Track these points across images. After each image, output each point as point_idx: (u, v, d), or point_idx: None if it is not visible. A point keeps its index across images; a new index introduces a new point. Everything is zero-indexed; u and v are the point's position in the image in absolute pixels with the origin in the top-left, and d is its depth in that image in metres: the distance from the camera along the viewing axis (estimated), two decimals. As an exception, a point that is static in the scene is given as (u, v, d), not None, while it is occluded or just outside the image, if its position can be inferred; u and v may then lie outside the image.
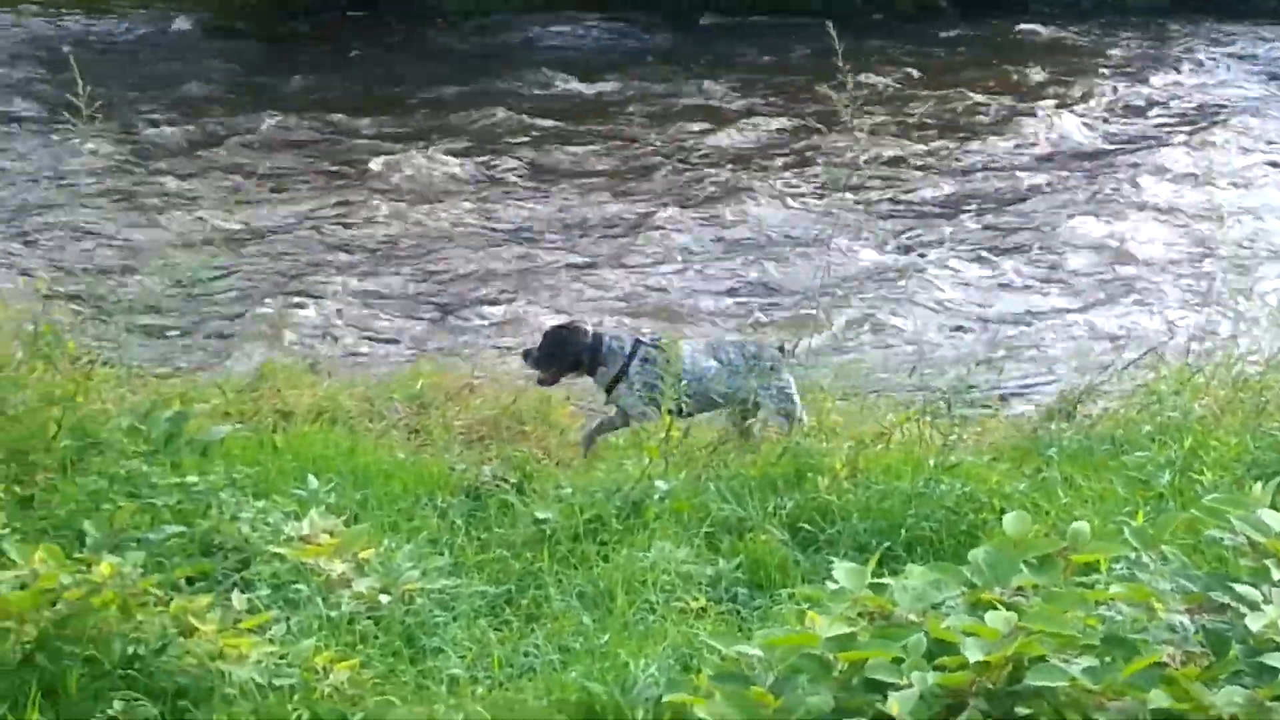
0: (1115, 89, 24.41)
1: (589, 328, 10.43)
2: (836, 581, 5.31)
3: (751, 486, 8.27)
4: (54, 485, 7.77)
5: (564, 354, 10.24)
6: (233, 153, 20.81)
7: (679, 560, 7.31)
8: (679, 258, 16.57)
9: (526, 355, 10.52)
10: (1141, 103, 23.69)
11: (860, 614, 5.18)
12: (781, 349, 10.28)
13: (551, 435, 10.28)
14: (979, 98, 23.72)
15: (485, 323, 14.54)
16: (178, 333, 13.47)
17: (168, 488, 7.53)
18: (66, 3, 30.88)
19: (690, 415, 10.09)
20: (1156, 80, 25.07)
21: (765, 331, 13.84)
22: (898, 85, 24.22)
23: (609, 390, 10.19)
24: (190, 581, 6.52)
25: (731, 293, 15.58)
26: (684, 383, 9.82)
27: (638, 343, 10.16)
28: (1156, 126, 22.33)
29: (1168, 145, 21.23)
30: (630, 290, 15.47)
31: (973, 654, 4.77)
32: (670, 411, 9.60)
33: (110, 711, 5.43)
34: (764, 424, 9.94)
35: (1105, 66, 25.88)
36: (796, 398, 10.06)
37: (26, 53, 26.67)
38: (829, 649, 4.90)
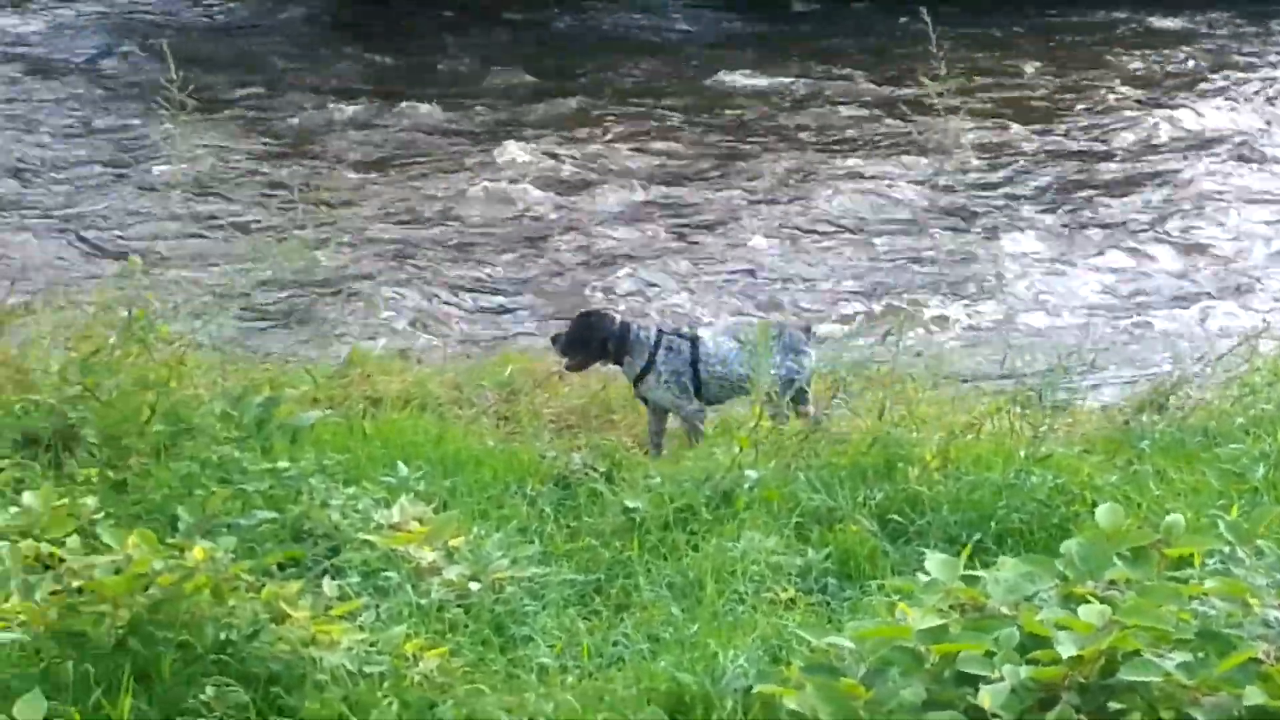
0: (1216, 78, 24.15)
1: (617, 316, 10.39)
2: (928, 573, 5.30)
3: (841, 476, 8.23)
4: (147, 470, 7.82)
5: (591, 341, 10.18)
6: (328, 139, 20.86)
7: (768, 550, 7.29)
8: (772, 244, 16.50)
9: (555, 340, 10.50)
10: (1246, 92, 23.43)
11: (952, 606, 5.17)
12: (807, 330, 10.23)
13: (641, 424, 10.26)
14: (1074, 84, 23.54)
15: (573, 305, 14.52)
16: (270, 318, 13.55)
17: (259, 473, 7.57)
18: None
19: (717, 402, 10.09)
20: (1259, 70, 24.76)
21: (859, 320, 13.82)
22: (993, 70, 24.05)
23: (636, 382, 10.15)
24: (281, 567, 6.56)
25: (826, 279, 15.51)
26: (710, 367, 9.83)
27: (660, 332, 10.12)
28: (1259, 117, 22.06)
29: (1269, 136, 20.98)
30: (724, 277, 15.43)
31: (1066, 648, 4.75)
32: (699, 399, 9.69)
33: (202, 696, 5.46)
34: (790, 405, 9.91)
35: (1204, 55, 25.62)
36: (807, 378, 9.99)
37: (125, 37, 26.82)
38: (921, 641, 4.89)
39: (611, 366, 10.33)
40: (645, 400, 10.17)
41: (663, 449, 9.86)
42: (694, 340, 10.01)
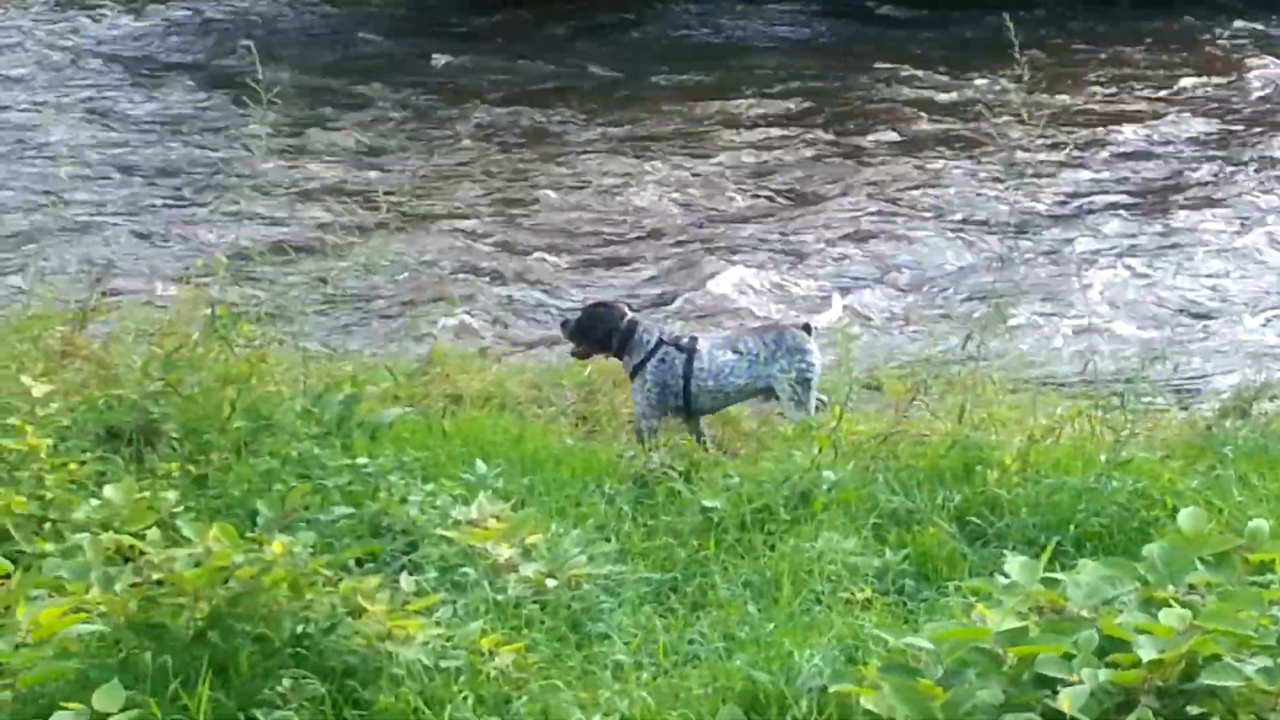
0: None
1: (628, 312, 10.38)
2: (1007, 575, 5.28)
3: (920, 478, 8.21)
4: (228, 465, 7.87)
5: (595, 331, 10.18)
6: (412, 137, 20.96)
7: (846, 551, 7.28)
8: (854, 248, 16.47)
9: (564, 325, 10.52)
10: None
11: (1031, 608, 5.14)
12: (806, 328, 10.21)
13: (718, 424, 10.25)
14: (1162, 88, 23.39)
15: (659, 312, 14.52)
16: (351, 316, 13.61)
17: (338, 469, 7.62)
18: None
19: (710, 412, 10.06)
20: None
21: (940, 322, 13.77)
22: (1074, 75, 23.92)
23: (631, 380, 10.15)
24: (359, 563, 6.58)
25: (906, 281, 15.47)
26: (702, 381, 9.82)
27: (660, 341, 10.12)
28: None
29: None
30: (803, 279, 15.40)
31: (1146, 652, 4.73)
32: (684, 411, 9.78)
33: (279, 688, 5.49)
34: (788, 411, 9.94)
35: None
36: (815, 381, 9.93)
37: (225, 38, 27.03)
38: (999, 643, 4.87)
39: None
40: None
41: (651, 437, 9.85)
42: (690, 352, 9.97)
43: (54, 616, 4.94)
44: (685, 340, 10.09)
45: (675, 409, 9.90)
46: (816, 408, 9.88)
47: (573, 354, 10.48)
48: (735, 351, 9.95)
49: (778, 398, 9.96)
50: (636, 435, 9.87)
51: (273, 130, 9.69)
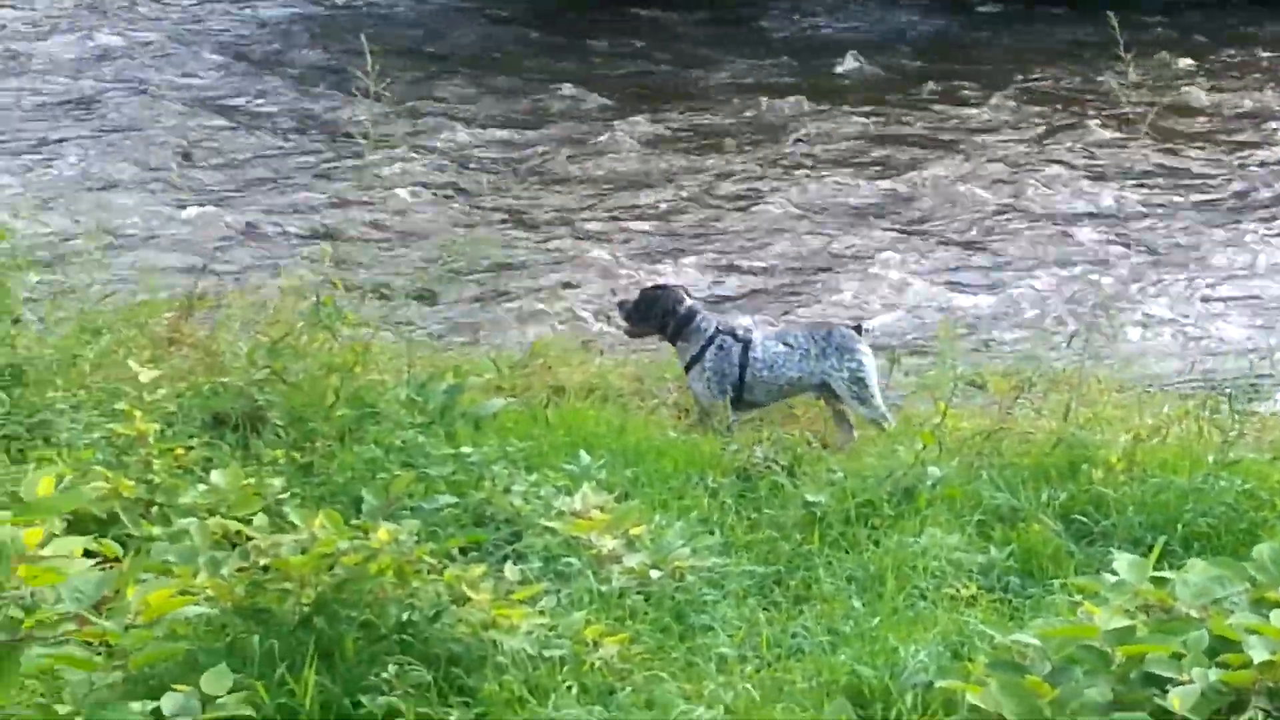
0: None
1: (687, 298, 10.40)
2: (1114, 573, 5.24)
3: (1025, 475, 8.16)
4: (332, 453, 7.92)
5: (651, 314, 10.26)
6: (515, 131, 21.00)
7: (950, 547, 7.25)
8: (955, 247, 16.40)
9: (621, 305, 10.64)
10: None
11: (1139, 607, 5.10)
12: (857, 328, 10.18)
13: (822, 419, 10.22)
14: (1273, 86, 23.16)
15: (760, 306, 14.51)
16: (455, 306, 13.65)
17: (442, 459, 7.64)
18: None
19: (762, 405, 10.07)
20: None
21: (1045, 318, 13.69)
22: (1184, 75, 23.73)
23: (687, 370, 10.19)
24: (463, 551, 6.61)
25: (1012, 279, 15.38)
26: (756, 371, 9.82)
27: (718, 329, 10.13)
28: None
29: None
30: (904, 278, 15.33)
31: (1257, 653, 4.68)
32: (737, 401, 9.76)
33: (384, 675, 5.51)
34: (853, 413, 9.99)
35: None
36: (871, 378, 9.95)
37: (323, 28, 27.21)
38: (1108, 641, 4.83)
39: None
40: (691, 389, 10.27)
41: (719, 424, 9.85)
42: (746, 343, 10.01)
43: (163, 597, 4.98)
44: (741, 330, 10.14)
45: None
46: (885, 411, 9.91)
47: (627, 333, 10.58)
48: (786, 345, 9.99)
49: (837, 396, 9.97)
50: (701, 423, 9.89)
51: (381, 121, 9.74)
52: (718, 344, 10.00)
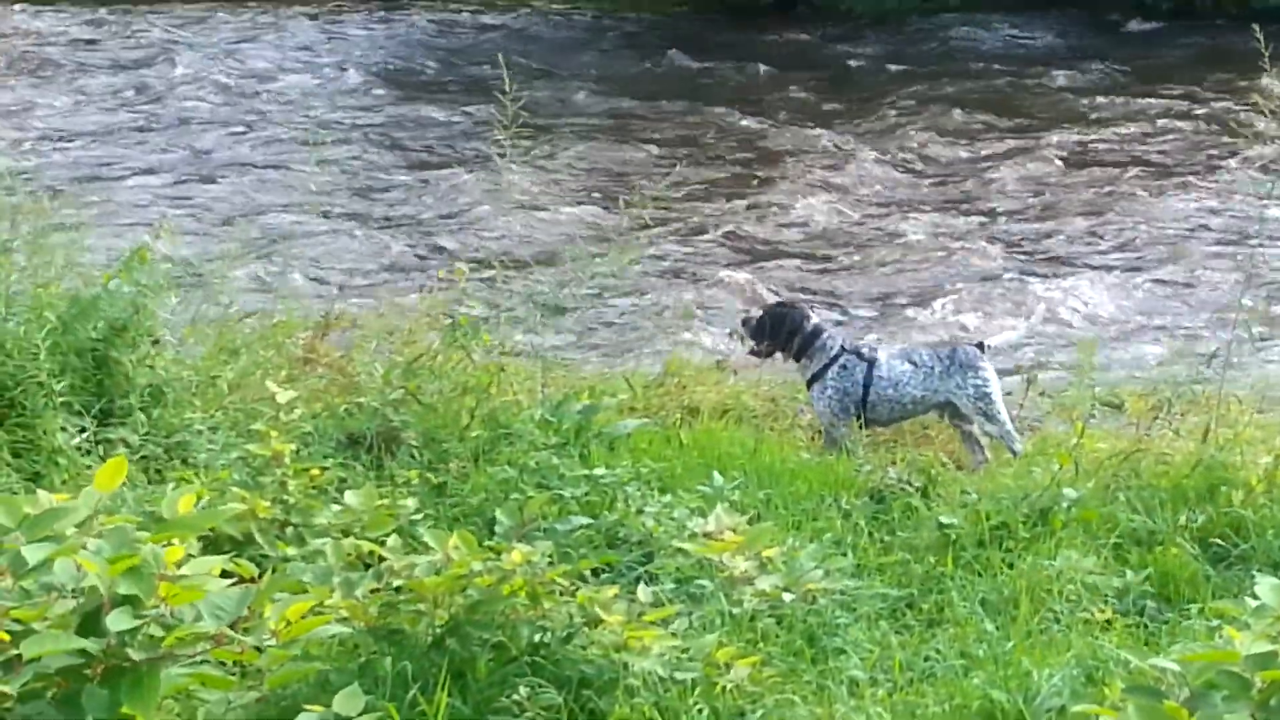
0: None
1: (814, 316, 10.39)
2: (1256, 597, 5.14)
3: (1162, 498, 8.07)
4: (466, 473, 7.97)
5: (778, 331, 10.28)
6: (647, 149, 21.05)
7: (1085, 570, 7.19)
8: (1090, 263, 16.26)
9: (745, 322, 10.63)
10: None
11: (1280, 633, 5.02)
12: (981, 345, 10.11)
13: (956, 440, 10.17)
14: None
15: (899, 322, 14.44)
16: (590, 326, 13.67)
17: (576, 479, 7.67)
18: (482, 2, 31.69)
19: (885, 424, 10.01)
20: None
21: (1183, 337, 13.53)
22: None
23: (809, 386, 10.20)
24: (596, 573, 6.62)
25: (1146, 299, 15.24)
26: (881, 389, 9.76)
27: (843, 348, 10.08)
28: None
29: None
30: (1039, 296, 15.21)
31: (1399, 678, 4.59)
32: (864, 420, 9.79)
33: (515, 696, 5.52)
34: (980, 431, 9.97)
35: None
36: (996, 395, 9.90)
37: (451, 48, 27.43)
38: (1249, 667, 4.74)
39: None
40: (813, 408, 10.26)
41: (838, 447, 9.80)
42: (871, 362, 9.99)
43: (300, 613, 5.01)
44: (866, 349, 10.11)
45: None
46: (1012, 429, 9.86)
47: (750, 352, 10.54)
48: (911, 363, 9.99)
49: (962, 415, 9.92)
50: (826, 442, 9.87)
51: (517, 140, 9.78)
52: (841, 362, 9.99)
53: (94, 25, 28.89)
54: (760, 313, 10.64)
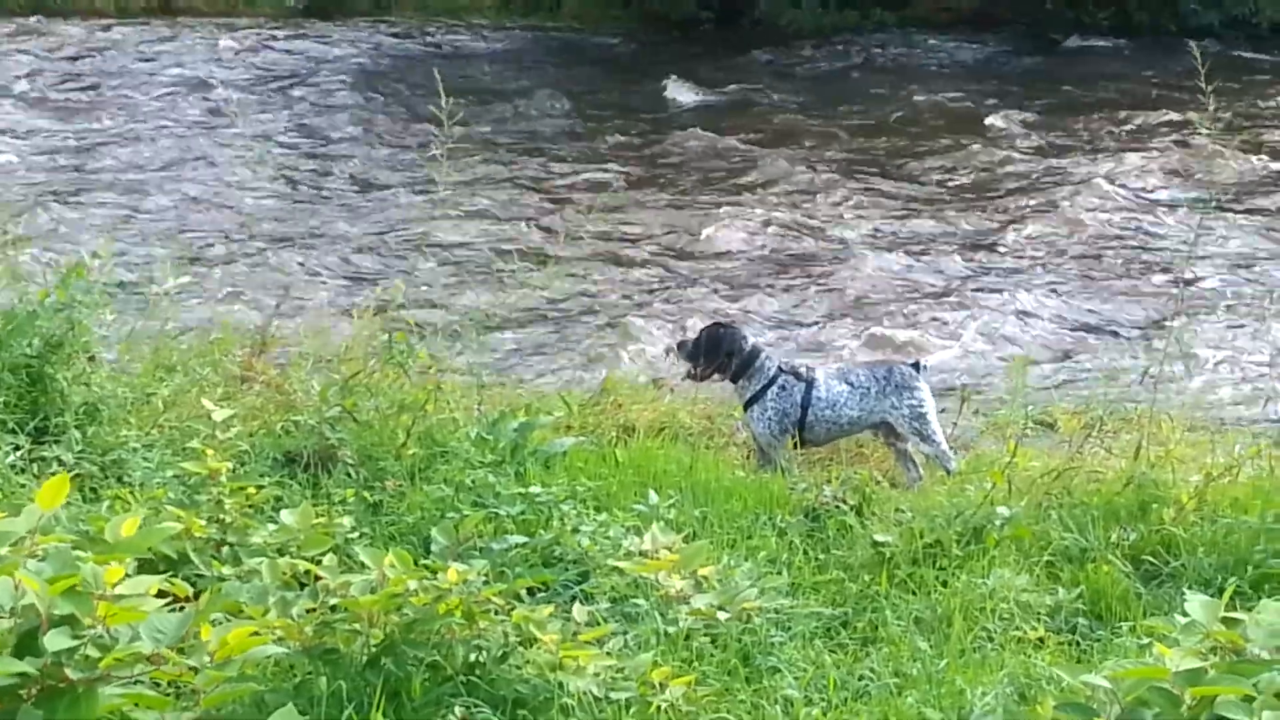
0: None
1: (750, 337, 10.44)
2: (1185, 614, 5.20)
3: (1094, 516, 8.14)
4: (402, 492, 7.97)
5: (716, 352, 10.28)
6: (586, 166, 21.09)
7: (1018, 588, 7.24)
8: (1028, 279, 16.36)
9: (680, 346, 10.62)
10: None
11: (1210, 649, 5.07)
12: (916, 366, 10.19)
13: (891, 458, 10.22)
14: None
15: (835, 342, 14.48)
16: (525, 344, 13.68)
17: (512, 498, 7.68)
18: (430, 19, 31.69)
19: (823, 443, 10.08)
20: None
21: (1114, 356, 13.63)
22: (1258, 109, 23.62)
23: (746, 407, 10.21)
24: (531, 592, 6.63)
25: (1080, 315, 15.33)
26: (819, 410, 9.81)
27: (780, 369, 10.13)
28: None
29: None
30: (974, 315, 15.28)
31: (1328, 695, 4.64)
32: (800, 440, 9.85)
33: (451, 717, 5.53)
34: (915, 450, 10.07)
35: None
36: (931, 415, 10.01)
37: (389, 66, 27.43)
38: (1178, 683, 4.80)
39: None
40: (748, 428, 10.28)
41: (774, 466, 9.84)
42: (810, 383, 10.04)
43: (241, 637, 5.01)
44: (804, 370, 10.14)
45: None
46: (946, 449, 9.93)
47: (687, 375, 10.51)
48: (848, 384, 10.05)
49: (898, 435, 9.99)
50: (761, 461, 9.91)
51: (451, 159, 9.78)
52: (780, 383, 10.03)
53: (20, 35, 28.74)
54: (695, 334, 10.63)
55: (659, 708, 5.76)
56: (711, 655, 6.45)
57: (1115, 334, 14.82)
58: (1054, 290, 16.02)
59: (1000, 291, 15.96)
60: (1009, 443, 8.92)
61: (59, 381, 8.13)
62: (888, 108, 24.82)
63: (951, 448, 10.13)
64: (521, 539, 7.18)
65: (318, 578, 6.02)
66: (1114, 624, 7.12)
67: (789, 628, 6.81)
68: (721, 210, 18.80)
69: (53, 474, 6.88)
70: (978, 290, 16.04)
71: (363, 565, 6.06)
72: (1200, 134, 9.95)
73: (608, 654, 5.98)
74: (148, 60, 27.41)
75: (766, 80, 26.99)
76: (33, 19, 30.02)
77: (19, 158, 20.94)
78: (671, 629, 6.51)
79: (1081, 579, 7.47)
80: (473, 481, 7.92)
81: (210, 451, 7.33)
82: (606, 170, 20.78)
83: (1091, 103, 24.81)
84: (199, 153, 21.34)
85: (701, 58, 28.41)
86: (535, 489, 7.78)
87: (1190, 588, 7.17)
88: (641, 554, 6.96)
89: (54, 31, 29.24)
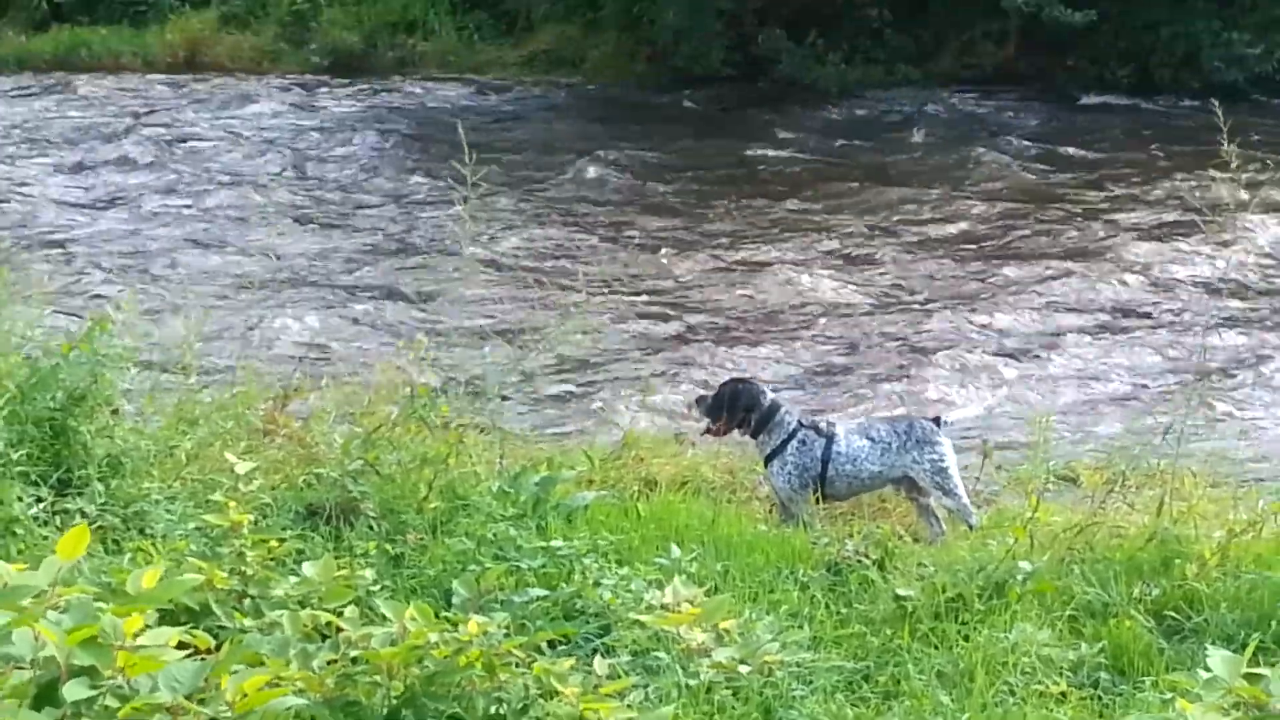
0: None
1: (769, 392, 10.42)
2: (1208, 670, 5.18)
3: (1116, 570, 8.11)
4: (424, 545, 7.97)
5: (735, 408, 10.25)
6: (597, 224, 21.15)
7: (1040, 643, 7.21)
8: (1051, 336, 16.35)
9: (699, 401, 10.60)
10: None
11: (1233, 705, 5.05)
12: (937, 420, 10.17)
13: (913, 513, 10.20)
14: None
15: (854, 397, 14.49)
16: (547, 399, 13.71)
17: (533, 551, 7.69)
18: (450, 77, 31.82)
19: (844, 498, 10.04)
20: None
21: (1137, 413, 13.61)
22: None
23: (766, 463, 10.19)
24: (552, 645, 6.62)
25: (1103, 372, 15.32)
26: (839, 465, 9.79)
27: (800, 424, 10.12)
28: None
29: None
30: (995, 370, 15.29)
31: (1350, 750, 4.62)
32: (821, 495, 9.82)
33: (472, 767, 5.53)
34: (937, 504, 10.03)
35: None
36: (953, 469, 9.99)
37: (410, 123, 27.54)
38: (1200, 738, 4.78)
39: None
40: (770, 483, 10.26)
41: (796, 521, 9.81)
42: (830, 437, 10.02)
43: (258, 685, 5.01)
44: (824, 425, 10.13)
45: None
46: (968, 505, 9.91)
47: (707, 431, 10.48)
48: (869, 438, 10.02)
49: (919, 489, 9.98)
50: (783, 517, 9.88)
51: (475, 215, 9.82)
52: (800, 438, 10.01)
53: (27, 95, 28.93)
54: (714, 391, 10.62)
55: (680, 760, 5.76)
56: (733, 709, 6.45)
57: (1139, 390, 14.79)
58: (1078, 347, 16.01)
59: (1025, 349, 15.96)
60: (1031, 498, 8.88)
61: (82, 434, 8.16)
62: (905, 164, 24.85)
63: (973, 503, 10.11)
64: (543, 592, 7.18)
65: (339, 629, 6.01)
66: (1136, 679, 7.09)
67: (810, 681, 6.80)
68: (736, 266, 18.84)
69: (74, 525, 6.93)
70: (1001, 347, 16.04)
71: (384, 617, 6.05)
72: (1224, 192, 9.92)
73: (629, 707, 5.95)
74: (166, 113, 27.53)
75: (788, 135, 27.02)
76: (56, 74, 30.18)
77: (43, 210, 21.05)
78: (693, 682, 6.50)
79: (1104, 634, 7.45)
80: (494, 535, 7.92)
81: (232, 504, 7.33)
82: (623, 227, 20.82)
83: (1113, 160, 24.82)
84: (224, 206, 21.43)
85: (727, 114, 28.50)
86: (557, 542, 7.79)
87: (1213, 643, 7.14)
88: (663, 607, 6.94)
89: (75, 85, 29.40)
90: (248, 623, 6.44)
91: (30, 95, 29.21)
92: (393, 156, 25.21)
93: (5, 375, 8.16)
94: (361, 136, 26.55)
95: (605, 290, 17.34)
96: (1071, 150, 25.57)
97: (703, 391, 10.96)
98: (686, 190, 23.00)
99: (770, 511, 10.17)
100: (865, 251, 19.62)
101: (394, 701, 5.70)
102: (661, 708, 6.08)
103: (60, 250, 18.81)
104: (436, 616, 6.00)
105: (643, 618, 6.87)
